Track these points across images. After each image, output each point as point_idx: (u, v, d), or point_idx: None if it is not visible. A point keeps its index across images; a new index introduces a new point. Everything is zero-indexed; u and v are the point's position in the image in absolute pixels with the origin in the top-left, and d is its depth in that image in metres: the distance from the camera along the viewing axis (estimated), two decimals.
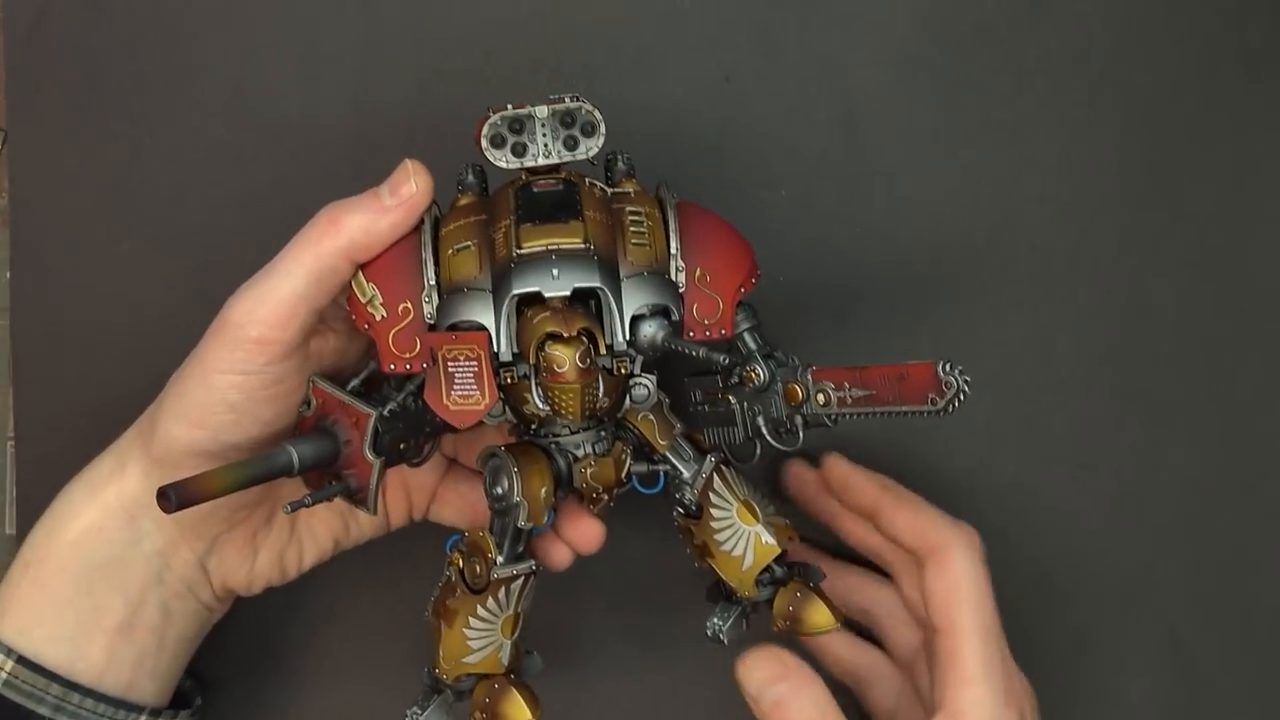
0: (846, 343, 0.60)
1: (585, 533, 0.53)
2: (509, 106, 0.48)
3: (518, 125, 0.48)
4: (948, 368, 0.45)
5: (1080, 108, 0.61)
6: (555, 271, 0.46)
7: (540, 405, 0.47)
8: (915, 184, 0.61)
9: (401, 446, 0.48)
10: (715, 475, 0.52)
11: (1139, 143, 0.61)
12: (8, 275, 0.60)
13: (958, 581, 0.51)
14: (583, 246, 0.46)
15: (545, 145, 0.48)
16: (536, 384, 0.47)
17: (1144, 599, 0.61)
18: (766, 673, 0.50)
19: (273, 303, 0.48)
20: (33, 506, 0.59)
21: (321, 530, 0.55)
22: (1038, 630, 0.60)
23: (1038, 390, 0.61)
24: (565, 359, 0.46)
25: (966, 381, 0.45)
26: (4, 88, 0.60)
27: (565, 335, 0.45)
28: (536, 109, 0.48)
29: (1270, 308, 0.62)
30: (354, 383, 0.48)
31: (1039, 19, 0.61)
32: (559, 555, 0.53)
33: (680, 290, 0.48)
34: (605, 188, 0.49)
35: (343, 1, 0.60)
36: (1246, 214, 0.62)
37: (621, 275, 0.47)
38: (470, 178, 0.50)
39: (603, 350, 0.47)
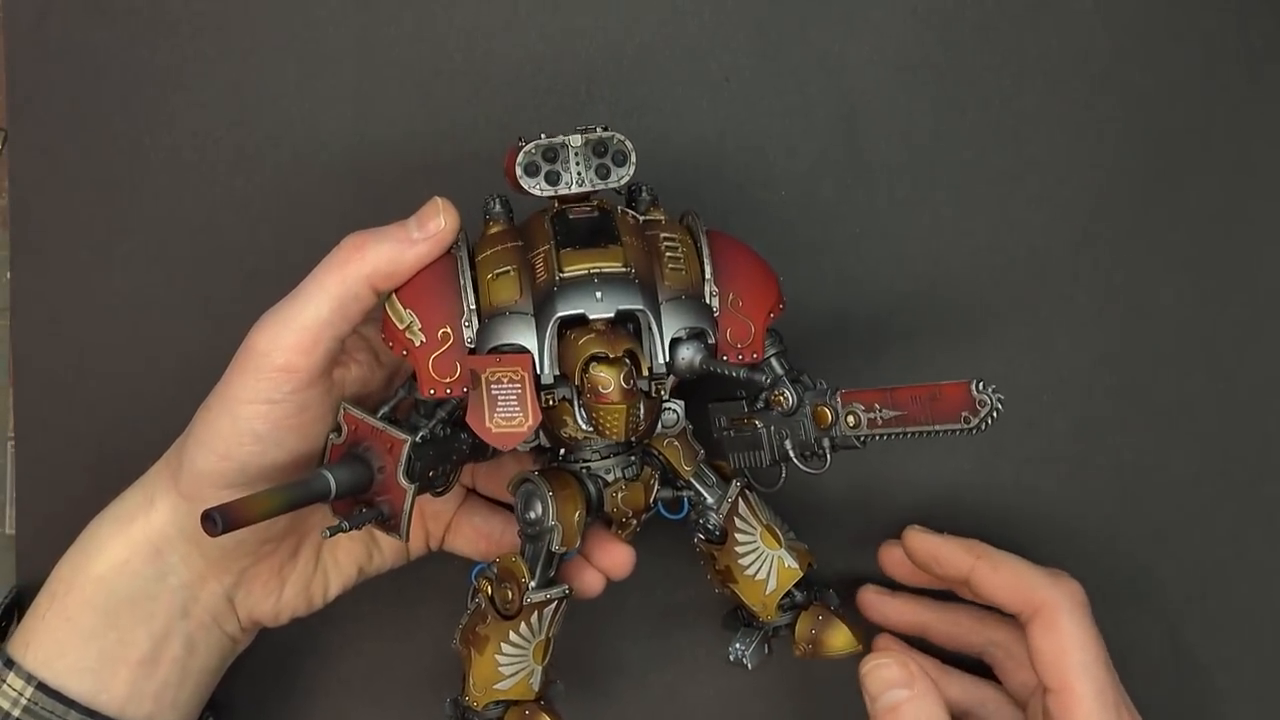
0: (845, 343, 0.60)
1: (616, 558, 0.53)
2: (542, 135, 0.48)
3: (551, 154, 0.48)
4: (981, 386, 0.45)
5: (1080, 108, 0.61)
6: (599, 294, 0.46)
7: (584, 426, 0.47)
8: (915, 184, 0.61)
9: (430, 474, 0.48)
10: (740, 500, 0.52)
11: (1139, 143, 0.61)
12: (8, 275, 0.60)
13: (1066, 644, 0.51)
14: (624, 270, 0.47)
15: (579, 173, 0.48)
16: (580, 405, 0.47)
17: (1144, 599, 0.61)
18: (891, 675, 0.50)
19: (297, 329, 0.47)
20: (33, 506, 0.59)
21: (346, 560, 0.55)
22: None
23: (1038, 390, 0.61)
24: (610, 380, 0.46)
25: (1000, 399, 0.45)
26: (4, 88, 0.60)
27: (611, 356, 0.46)
28: (570, 138, 0.48)
29: (1270, 308, 0.62)
30: (383, 410, 0.48)
31: (1039, 19, 0.61)
32: (591, 582, 0.53)
33: (715, 314, 0.48)
34: (637, 215, 0.50)
35: (343, 2, 0.60)
36: (1246, 214, 0.61)
37: (660, 299, 0.47)
38: (497, 207, 0.50)
39: (644, 371, 0.47)
